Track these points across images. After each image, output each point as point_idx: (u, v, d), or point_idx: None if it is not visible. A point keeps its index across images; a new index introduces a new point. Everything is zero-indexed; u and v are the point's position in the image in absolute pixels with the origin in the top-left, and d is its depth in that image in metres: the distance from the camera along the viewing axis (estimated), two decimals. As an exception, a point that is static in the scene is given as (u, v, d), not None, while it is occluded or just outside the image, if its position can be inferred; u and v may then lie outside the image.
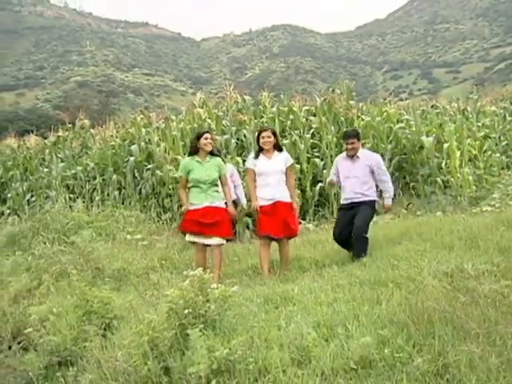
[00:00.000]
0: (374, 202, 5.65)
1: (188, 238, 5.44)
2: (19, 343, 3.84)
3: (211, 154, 5.46)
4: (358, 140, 5.68)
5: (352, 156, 5.65)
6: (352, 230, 5.41)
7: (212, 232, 5.26)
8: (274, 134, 5.59)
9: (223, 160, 5.68)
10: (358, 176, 5.57)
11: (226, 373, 2.63)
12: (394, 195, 9.15)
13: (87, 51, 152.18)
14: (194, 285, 3.10)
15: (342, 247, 5.65)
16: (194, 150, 5.45)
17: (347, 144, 5.67)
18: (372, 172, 5.62)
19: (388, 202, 5.72)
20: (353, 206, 5.55)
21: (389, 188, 5.72)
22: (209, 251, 5.43)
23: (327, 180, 6.17)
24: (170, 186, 9.21)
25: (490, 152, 10.21)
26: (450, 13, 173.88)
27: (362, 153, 5.75)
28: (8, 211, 11.47)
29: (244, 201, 6.73)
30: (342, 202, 5.78)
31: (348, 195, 5.63)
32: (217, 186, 5.43)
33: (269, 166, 5.46)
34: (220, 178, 5.44)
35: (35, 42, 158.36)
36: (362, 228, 5.39)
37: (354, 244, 5.39)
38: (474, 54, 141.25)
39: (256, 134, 5.87)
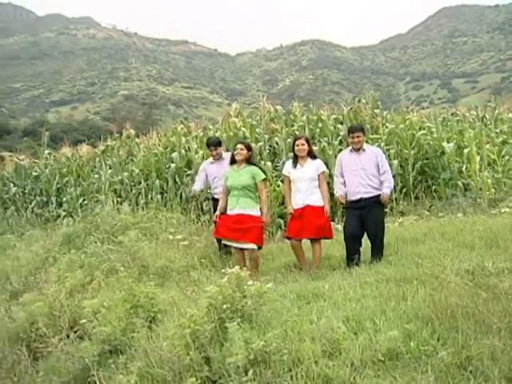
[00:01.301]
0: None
1: (224, 241, 5.45)
2: (75, 332, 3.94)
3: (249, 162, 5.44)
4: (364, 134, 5.43)
5: (358, 149, 5.37)
6: (362, 232, 5.28)
7: (243, 238, 5.17)
8: (308, 141, 5.53)
9: (260, 168, 5.56)
10: (365, 168, 5.27)
11: (262, 363, 2.64)
12: (417, 198, 9.10)
13: (133, 67, 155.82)
14: (231, 282, 3.12)
15: (350, 252, 5.26)
16: (232, 160, 5.51)
17: (352, 138, 5.38)
18: (377, 165, 5.33)
19: (387, 191, 5.25)
20: (362, 206, 5.22)
21: (390, 179, 5.35)
22: (247, 252, 5.40)
23: (337, 195, 5.51)
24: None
25: (507, 157, 10.00)
26: (468, 27, 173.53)
27: (368, 147, 5.52)
28: (64, 213, 11.77)
29: None
30: (350, 197, 5.33)
31: (356, 189, 5.26)
32: (251, 192, 5.33)
33: (301, 173, 5.42)
34: (256, 185, 5.33)
35: (87, 60, 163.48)
36: (381, 236, 5.26)
37: (374, 249, 5.25)
38: (491, 65, 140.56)
39: (292, 141, 5.83)
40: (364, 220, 5.25)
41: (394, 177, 8.91)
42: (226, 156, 6.29)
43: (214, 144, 6.44)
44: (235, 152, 5.42)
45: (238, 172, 5.38)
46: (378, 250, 5.23)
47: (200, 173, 6.81)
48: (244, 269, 3.31)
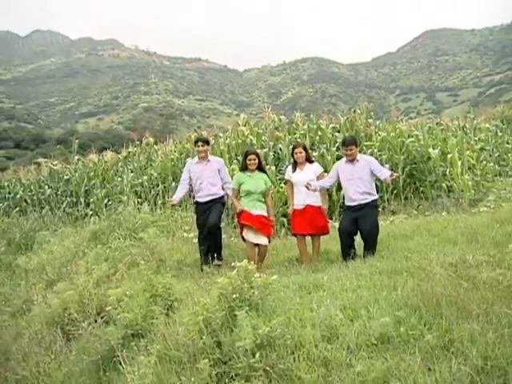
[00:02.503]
0: (376, 200, 5.32)
1: (245, 236, 5.35)
2: (102, 318, 3.98)
3: (259, 169, 5.49)
4: (356, 146, 5.30)
5: (352, 160, 5.26)
6: (355, 230, 5.16)
7: (264, 231, 5.26)
8: (305, 149, 5.56)
9: (267, 174, 5.67)
10: (360, 177, 5.18)
11: (268, 347, 2.64)
12: (406, 198, 9.08)
13: (152, 83, 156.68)
14: (240, 274, 3.11)
15: (344, 246, 5.17)
16: (243, 167, 5.52)
17: (346, 150, 5.26)
18: (371, 172, 5.22)
19: (385, 176, 5.12)
20: (358, 208, 5.14)
21: (387, 173, 5.18)
22: (259, 247, 5.38)
23: (314, 184, 5.25)
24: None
25: (485, 162, 10.16)
26: (449, 47, 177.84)
27: (361, 156, 5.41)
28: (91, 213, 11.82)
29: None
30: (348, 203, 5.24)
31: (354, 196, 5.14)
32: (263, 196, 5.41)
33: (301, 176, 5.43)
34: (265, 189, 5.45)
35: (112, 77, 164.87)
36: (375, 234, 5.16)
37: (368, 245, 5.13)
38: (469, 81, 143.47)
39: (290, 149, 5.86)
40: (359, 220, 5.15)
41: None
42: (213, 160, 5.83)
43: (202, 140, 5.71)
44: (249, 162, 5.39)
45: (253, 178, 5.39)
46: (371, 247, 5.15)
47: (184, 173, 5.89)
48: (251, 262, 3.29)
